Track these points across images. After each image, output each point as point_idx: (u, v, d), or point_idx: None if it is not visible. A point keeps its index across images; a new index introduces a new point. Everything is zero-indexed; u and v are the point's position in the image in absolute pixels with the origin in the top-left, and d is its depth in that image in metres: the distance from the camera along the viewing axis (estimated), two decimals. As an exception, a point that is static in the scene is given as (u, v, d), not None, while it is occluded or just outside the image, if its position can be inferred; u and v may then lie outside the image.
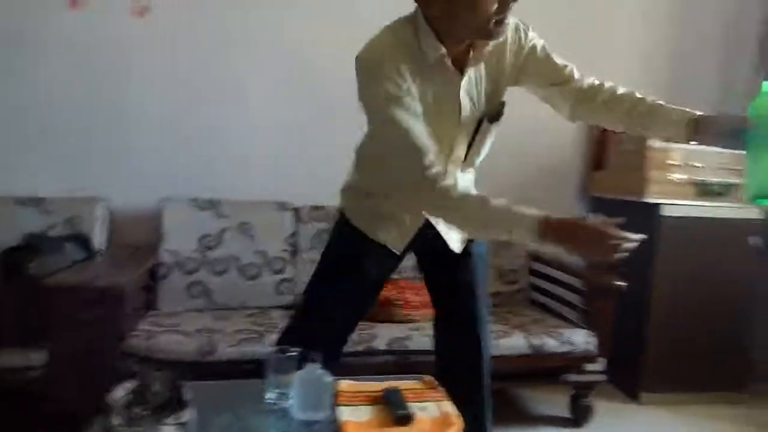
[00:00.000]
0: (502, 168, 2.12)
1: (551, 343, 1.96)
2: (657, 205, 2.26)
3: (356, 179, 1.34)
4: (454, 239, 1.31)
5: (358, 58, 1.09)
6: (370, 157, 1.30)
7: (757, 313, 2.40)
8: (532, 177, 2.67)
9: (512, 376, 1.96)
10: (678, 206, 2.26)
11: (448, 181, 1.07)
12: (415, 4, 1.11)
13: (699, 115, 1.10)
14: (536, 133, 2.58)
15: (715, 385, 2.37)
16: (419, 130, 1.07)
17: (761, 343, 2.40)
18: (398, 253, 1.30)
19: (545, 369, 2.01)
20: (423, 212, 1.24)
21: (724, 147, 1.15)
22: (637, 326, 2.35)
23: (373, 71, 1.08)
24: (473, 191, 1.18)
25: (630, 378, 2.39)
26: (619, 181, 2.45)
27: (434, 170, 1.05)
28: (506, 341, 1.92)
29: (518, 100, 1.29)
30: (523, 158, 2.61)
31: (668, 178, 2.26)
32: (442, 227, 1.28)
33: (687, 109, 1.14)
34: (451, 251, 1.31)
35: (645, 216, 2.32)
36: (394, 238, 1.28)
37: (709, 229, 2.29)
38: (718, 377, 2.36)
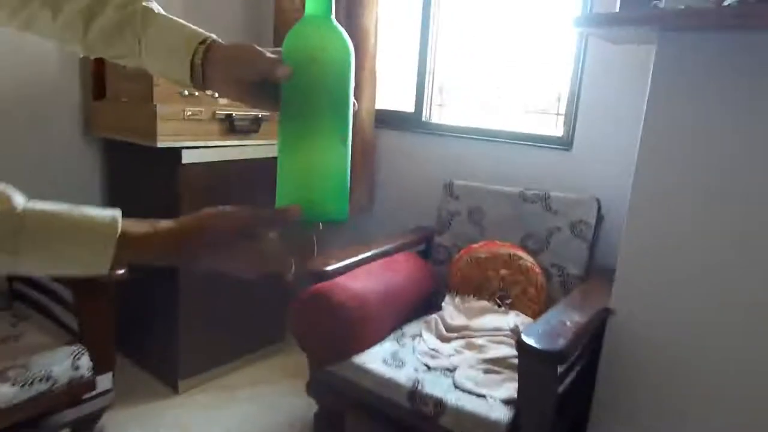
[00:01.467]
0: None
1: (9, 393, 1.25)
2: (175, 150, 1.73)
3: None
4: None
5: None
6: None
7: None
8: (14, 111, 1.80)
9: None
10: (199, 149, 1.79)
11: None
12: None
13: (213, 43, 0.67)
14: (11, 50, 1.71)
15: (252, 346, 2.16)
16: None
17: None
18: None
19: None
20: None
21: (253, 105, 0.68)
22: (167, 307, 1.87)
23: None
24: None
25: (168, 368, 1.93)
26: (126, 117, 1.80)
27: None
28: None
29: None
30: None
31: (185, 113, 1.74)
32: None
33: (198, 29, 0.68)
34: None
35: (163, 165, 1.78)
36: None
37: (239, 173, 1.92)
38: (254, 337, 2.15)
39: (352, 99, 0.64)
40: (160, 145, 1.68)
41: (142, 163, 1.86)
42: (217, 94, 0.69)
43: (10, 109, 1.80)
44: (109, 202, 2.06)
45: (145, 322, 1.99)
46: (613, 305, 1.37)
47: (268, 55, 0.63)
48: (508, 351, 1.44)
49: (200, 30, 0.68)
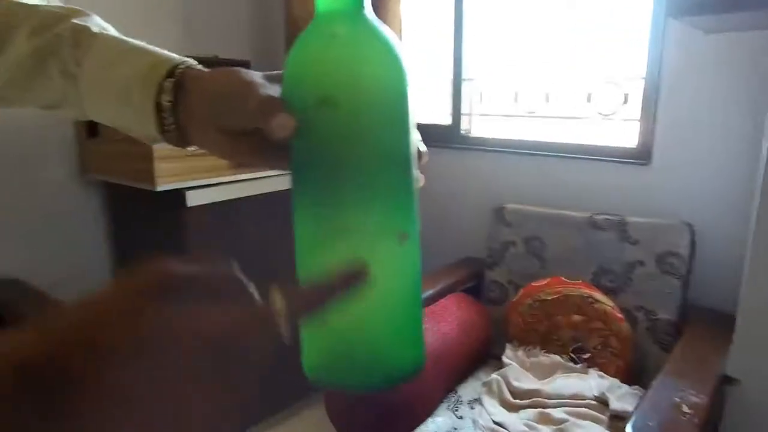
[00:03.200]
0: None
1: None
2: (178, 192, 1.48)
3: None
4: None
5: None
6: None
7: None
8: (4, 151, 1.59)
9: None
10: (206, 189, 1.53)
11: None
12: None
13: (186, 73, 0.40)
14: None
15: (281, 401, 1.90)
16: None
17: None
18: None
19: None
20: None
21: (264, 166, 0.41)
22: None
23: None
24: None
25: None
26: (121, 157, 1.56)
27: None
28: None
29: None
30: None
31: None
32: None
33: (164, 52, 0.42)
34: None
35: (166, 209, 1.54)
36: None
37: (253, 211, 1.66)
38: (282, 391, 1.89)
39: (414, 157, 0.36)
40: (159, 188, 1.44)
41: (144, 207, 1.62)
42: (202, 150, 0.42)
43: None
44: (115, 250, 1.84)
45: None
46: (733, 371, 1.06)
47: (261, 92, 0.36)
48: (597, 431, 1.15)
49: (166, 53, 0.42)
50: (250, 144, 0.38)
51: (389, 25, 1.82)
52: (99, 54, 0.43)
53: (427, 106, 1.98)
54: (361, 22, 0.34)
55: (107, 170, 1.64)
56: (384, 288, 0.34)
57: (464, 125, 1.87)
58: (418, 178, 0.37)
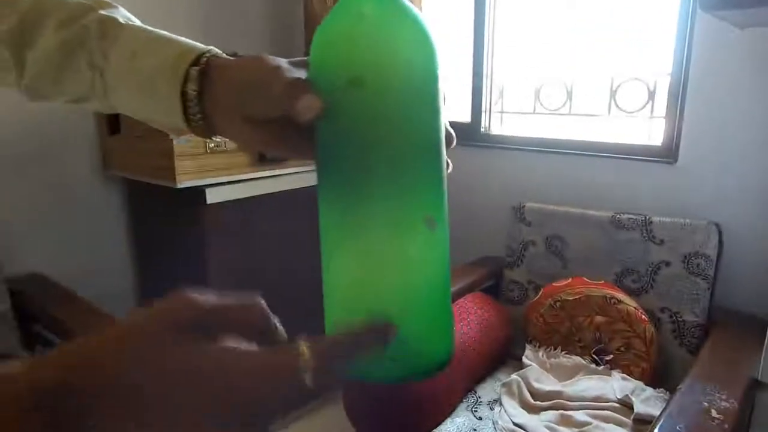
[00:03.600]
0: None
1: None
2: (198, 189, 1.49)
3: None
4: None
5: None
6: None
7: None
8: (22, 146, 1.60)
9: None
10: (226, 186, 1.54)
11: None
12: None
13: (211, 62, 0.40)
14: None
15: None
16: None
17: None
18: None
19: None
20: None
21: (290, 155, 0.40)
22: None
23: None
24: None
25: None
26: (142, 154, 1.57)
27: None
28: None
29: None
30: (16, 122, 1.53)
31: (208, 145, 1.49)
32: None
33: (189, 42, 0.41)
34: None
35: (186, 206, 1.55)
36: None
37: (273, 209, 1.66)
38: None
39: (443, 140, 0.35)
40: (180, 185, 1.44)
41: (164, 203, 1.63)
42: (228, 141, 0.42)
43: (18, 143, 1.60)
44: (135, 246, 1.85)
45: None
46: (764, 376, 1.03)
47: (286, 75, 0.35)
48: (621, 434, 1.13)
49: (191, 42, 0.41)
50: (274, 132, 0.37)
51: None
52: (125, 45, 0.42)
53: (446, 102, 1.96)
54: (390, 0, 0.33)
55: (128, 167, 1.65)
56: (414, 274, 0.33)
57: (484, 123, 1.84)
58: (447, 163, 0.36)
